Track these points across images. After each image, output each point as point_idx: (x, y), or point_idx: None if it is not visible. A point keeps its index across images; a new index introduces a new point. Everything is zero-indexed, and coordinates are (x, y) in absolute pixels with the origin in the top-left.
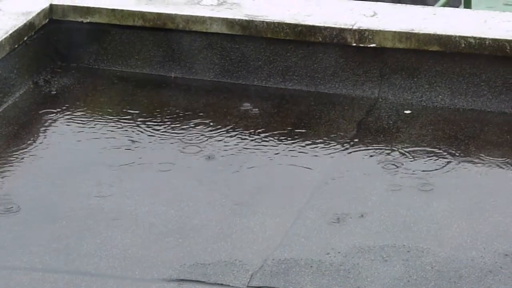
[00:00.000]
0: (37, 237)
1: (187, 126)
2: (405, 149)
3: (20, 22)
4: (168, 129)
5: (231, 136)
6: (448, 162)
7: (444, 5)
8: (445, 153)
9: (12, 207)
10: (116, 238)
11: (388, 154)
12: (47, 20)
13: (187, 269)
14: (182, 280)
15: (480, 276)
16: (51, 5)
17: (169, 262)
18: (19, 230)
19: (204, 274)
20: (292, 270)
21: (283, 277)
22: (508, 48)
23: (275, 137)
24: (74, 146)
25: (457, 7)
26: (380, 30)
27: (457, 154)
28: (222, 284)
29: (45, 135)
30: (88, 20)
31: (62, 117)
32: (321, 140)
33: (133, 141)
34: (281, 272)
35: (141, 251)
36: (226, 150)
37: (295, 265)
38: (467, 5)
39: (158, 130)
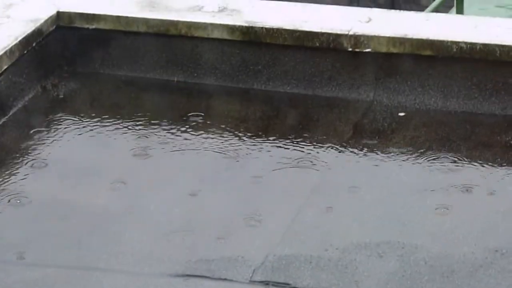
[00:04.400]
0: (48, 234)
1: (190, 128)
2: (399, 150)
3: (28, 28)
4: (172, 131)
5: (232, 138)
6: (441, 163)
7: (438, 7)
8: (438, 154)
9: (24, 205)
10: (124, 236)
11: (383, 154)
12: (55, 26)
13: (193, 265)
14: (188, 275)
15: (471, 271)
16: (58, 12)
17: (175, 258)
18: (31, 227)
19: (208, 270)
20: (292, 266)
21: (284, 272)
22: (498, 52)
23: (275, 139)
24: (83, 148)
25: (450, 7)
26: (375, 36)
27: (450, 155)
28: (226, 279)
29: (54, 138)
30: (94, 27)
31: (70, 120)
32: (319, 141)
33: (140, 143)
34: (282, 267)
35: (148, 248)
36: (229, 151)
37: (295, 261)
38: (459, 6)
39: (163, 132)
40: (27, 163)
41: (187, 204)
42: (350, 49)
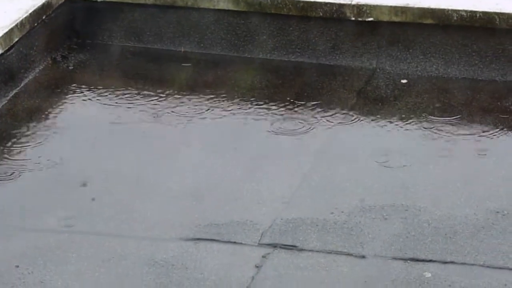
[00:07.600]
0: (61, 201)
1: (198, 98)
2: (401, 116)
3: (38, 1)
4: (180, 100)
5: (238, 106)
6: (442, 128)
7: None
8: (439, 119)
9: (36, 173)
10: (135, 202)
11: (386, 120)
12: None
13: (202, 229)
14: (198, 239)
15: (473, 232)
16: None
17: (185, 223)
18: (45, 196)
19: (218, 233)
20: (299, 229)
21: (291, 235)
22: (497, 20)
23: (281, 107)
24: (92, 117)
25: None
26: (377, 5)
27: (451, 120)
28: (235, 242)
29: (64, 107)
30: None
31: (79, 90)
32: (323, 109)
33: (147, 111)
34: (289, 230)
35: (159, 213)
36: (235, 120)
37: (302, 224)
38: None
39: (170, 101)
40: (39, 132)
41: (196, 171)
42: (353, 19)
